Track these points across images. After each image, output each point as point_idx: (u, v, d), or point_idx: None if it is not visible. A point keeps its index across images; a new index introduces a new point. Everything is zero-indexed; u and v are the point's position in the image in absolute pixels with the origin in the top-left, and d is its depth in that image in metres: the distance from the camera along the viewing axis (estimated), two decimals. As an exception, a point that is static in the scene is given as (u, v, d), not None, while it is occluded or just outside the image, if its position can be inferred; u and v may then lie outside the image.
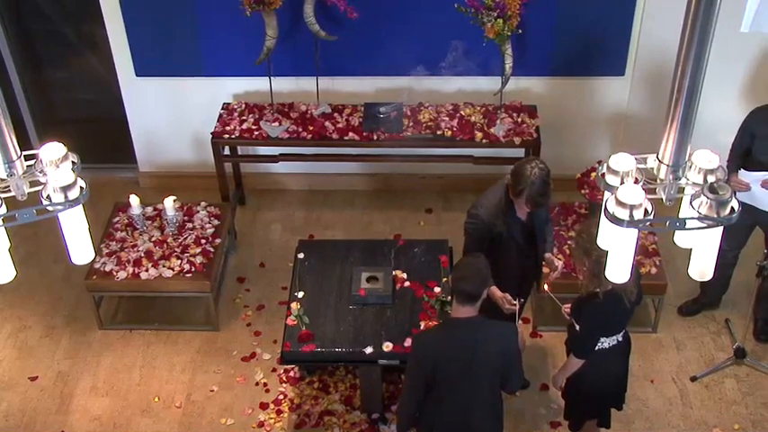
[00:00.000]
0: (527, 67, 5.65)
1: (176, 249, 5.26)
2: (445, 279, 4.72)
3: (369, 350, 4.39)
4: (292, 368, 5.01)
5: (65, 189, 2.40)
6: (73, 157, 2.53)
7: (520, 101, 5.82)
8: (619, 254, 2.55)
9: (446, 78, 5.78)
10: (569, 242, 5.13)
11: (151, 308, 5.45)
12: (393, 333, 4.46)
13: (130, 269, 5.15)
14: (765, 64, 5.59)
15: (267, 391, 4.96)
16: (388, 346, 4.39)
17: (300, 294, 4.69)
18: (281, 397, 4.91)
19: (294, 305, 4.61)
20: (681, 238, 2.57)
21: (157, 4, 5.62)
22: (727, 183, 2.40)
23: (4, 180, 2.47)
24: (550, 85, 5.87)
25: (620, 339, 3.98)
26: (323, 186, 6.38)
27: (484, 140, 5.57)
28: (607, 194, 2.46)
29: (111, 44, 5.82)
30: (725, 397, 4.88)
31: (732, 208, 2.35)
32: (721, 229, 2.44)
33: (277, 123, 5.77)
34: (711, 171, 2.40)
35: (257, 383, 5.00)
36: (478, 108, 5.79)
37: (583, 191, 5.30)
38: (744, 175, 4.67)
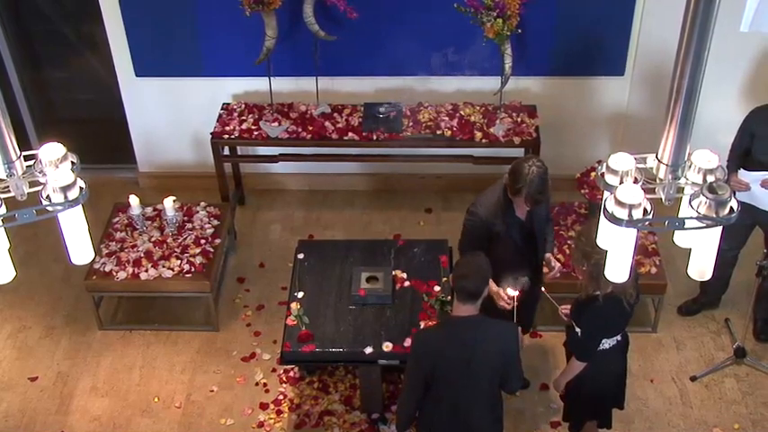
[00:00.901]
0: (527, 67, 5.66)
1: (176, 250, 5.26)
2: (445, 279, 4.72)
3: (368, 350, 4.39)
4: (292, 368, 5.01)
5: (64, 189, 2.40)
6: (72, 158, 2.53)
7: (519, 101, 5.82)
8: (618, 253, 2.55)
9: (446, 78, 5.79)
10: (569, 242, 5.13)
11: (151, 308, 5.45)
12: (393, 333, 4.46)
13: (130, 269, 5.15)
14: (765, 64, 5.59)
15: (267, 391, 4.96)
16: (387, 346, 4.39)
17: (300, 294, 4.69)
18: (281, 397, 4.91)
19: (294, 305, 4.60)
20: (680, 238, 2.57)
21: (157, 5, 5.62)
22: (727, 182, 2.40)
23: (4, 180, 2.47)
24: (550, 85, 5.87)
25: (620, 339, 3.99)
26: (322, 186, 6.38)
27: (483, 140, 5.57)
28: (606, 194, 2.46)
29: (111, 44, 5.82)
30: (725, 396, 4.88)
31: (731, 208, 2.35)
32: (720, 228, 2.44)
33: (276, 123, 5.77)
34: (711, 171, 2.41)
35: (257, 384, 5.00)
36: (478, 108, 5.79)
37: (582, 191, 5.30)
38: (743, 174, 4.67)
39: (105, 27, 5.75)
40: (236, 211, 6.09)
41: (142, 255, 5.22)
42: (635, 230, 2.46)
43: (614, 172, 2.46)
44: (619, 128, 5.98)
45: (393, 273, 4.75)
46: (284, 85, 5.89)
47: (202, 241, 5.33)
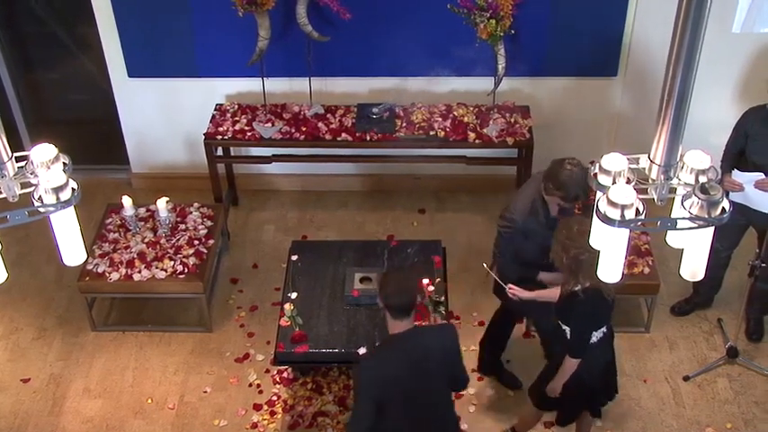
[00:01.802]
0: (520, 68, 5.66)
1: (169, 250, 5.25)
2: (438, 279, 4.72)
3: (362, 351, 4.38)
4: (286, 369, 5.00)
5: (56, 190, 2.39)
6: (64, 159, 2.52)
7: (513, 101, 5.83)
8: (610, 253, 2.56)
9: (439, 79, 5.79)
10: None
11: (144, 309, 5.44)
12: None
13: (123, 270, 5.13)
14: (757, 64, 5.60)
15: (260, 392, 4.96)
16: (381, 347, 4.39)
17: (294, 295, 4.68)
18: (275, 398, 4.91)
19: (287, 306, 4.60)
20: (673, 238, 2.58)
21: (150, 6, 5.61)
22: (721, 183, 2.41)
23: (-4, 182, 2.46)
24: (543, 86, 5.88)
25: (606, 331, 4.02)
26: (316, 187, 6.38)
27: (477, 141, 5.58)
28: (599, 194, 2.47)
29: (104, 45, 5.81)
30: (717, 396, 4.89)
31: (723, 208, 2.36)
32: (712, 229, 2.45)
33: (270, 124, 5.76)
34: (703, 171, 2.41)
35: (250, 384, 5.00)
36: (471, 108, 5.79)
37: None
38: (737, 175, 4.68)
39: (98, 28, 5.74)
40: (230, 212, 6.08)
41: (135, 256, 5.21)
42: (627, 231, 2.47)
43: (607, 172, 2.47)
44: (611, 128, 6.00)
45: (386, 273, 4.75)
46: (277, 86, 5.89)
47: (196, 242, 5.32)
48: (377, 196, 6.32)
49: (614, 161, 2.47)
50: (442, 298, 4.61)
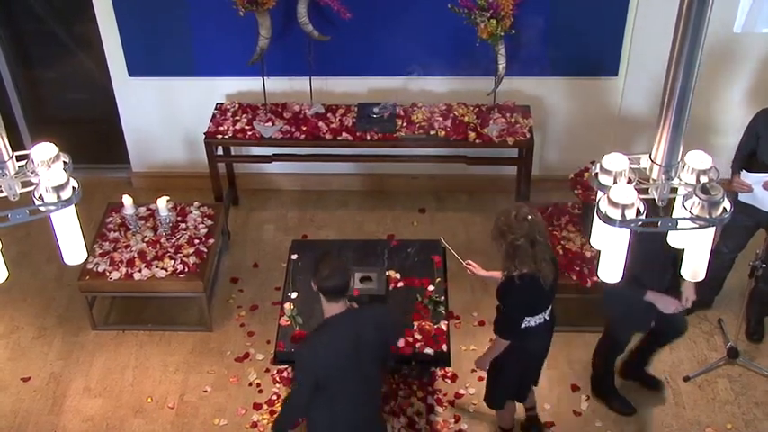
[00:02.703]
0: (520, 68, 5.66)
1: (169, 250, 5.25)
2: (438, 279, 4.72)
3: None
4: (285, 368, 5.00)
5: (57, 189, 2.39)
6: (64, 157, 2.52)
7: (513, 101, 5.83)
8: (611, 254, 2.55)
9: (439, 78, 5.79)
10: (562, 242, 5.14)
11: (144, 308, 5.44)
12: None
13: (123, 269, 5.13)
14: (759, 65, 5.60)
15: (260, 391, 4.96)
16: (381, 347, 4.39)
17: (294, 295, 4.68)
18: (275, 397, 4.91)
19: (287, 305, 4.60)
20: (674, 239, 2.58)
21: (150, 5, 5.61)
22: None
23: (-4, 181, 2.46)
24: (544, 86, 5.87)
25: (547, 318, 4.05)
26: (316, 186, 6.38)
27: (477, 141, 5.57)
28: (600, 194, 2.47)
29: (104, 44, 5.81)
30: (718, 397, 4.89)
31: (724, 208, 2.36)
32: (713, 229, 2.45)
33: (270, 123, 5.76)
34: (704, 172, 2.41)
35: (250, 384, 5.00)
36: (472, 108, 5.79)
37: (576, 191, 5.31)
38: (746, 176, 4.66)
39: (98, 27, 5.74)
40: (230, 212, 6.08)
41: (135, 255, 5.21)
42: (628, 231, 2.47)
43: (608, 172, 2.46)
44: (612, 128, 5.99)
45: (387, 273, 4.75)
46: (278, 86, 5.89)
47: (196, 241, 5.32)
48: (377, 196, 6.32)
49: (615, 161, 2.46)
50: (442, 298, 4.62)
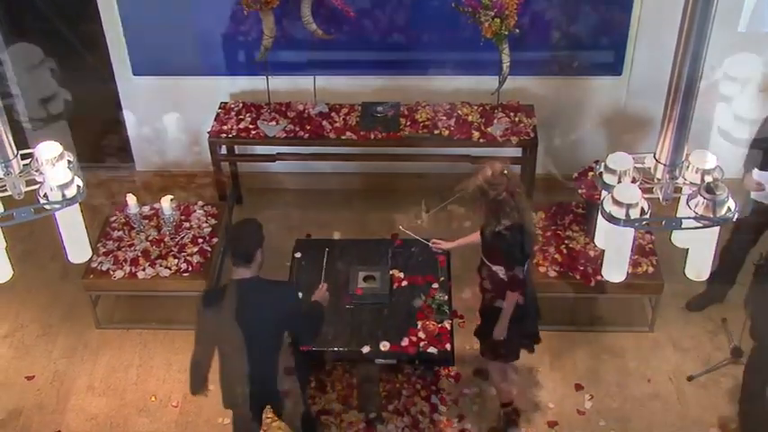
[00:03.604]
0: (524, 67, 5.65)
1: (173, 248, 5.25)
2: (442, 278, 4.72)
3: (366, 349, 4.38)
4: (289, 367, 5.00)
5: (62, 187, 2.40)
6: (69, 156, 2.53)
7: (517, 100, 5.82)
8: (615, 252, 2.55)
9: (443, 78, 5.78)
10: (566, 242, 5.13)
11: (148, 307, 5.44)
12: (390, 332, 4.45)
13: (127, 268, 5.14)
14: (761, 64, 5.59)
15: (264, 390, 4.96)
16: (385, 346, 4.39)
17: (298, 294, 4.68)
18: (278, 396, 4.91)
19: (291, 304, 4.60)
20: (678, 238, 2.58)
21: (154, 3, 5.61)
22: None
23: (1, 179, 2.47)
24: (548, 85, 5.87)
25: (526, 265, 4.13)
26: (320, 185, 6.38)
27: (481, 140, 5.57)
28: (604, 193, 2.47)
29: (109, 43, 5.82)
30: (721, 396, 4.88)
31: (729, 207, 2.36)
32: (718, 229, 2.45)
33: (274, 122, 5.76)
34: (708, 171, 2.41)
35: (254, 383, 5.00)
36: (476, 107, 5.79)
37: (580, 190, 5.30)
38: (758, 174, 4.65)
39: (103, 25, 5.75)
40: (234, 210, 6.08)
41: (139, 254, 5.21)
42: (632, 230, 2.47)
43: (612, 171, 2.46)
44: (616, 127, 5.99)
45: (390, 272, 4.75)
46: (282, 84, 5.89)
47: (200, 240, 5.32)
48: (381, 195, 6.31)
49: (620, 160, 2.47)
50: (446, 297, 4.61)
